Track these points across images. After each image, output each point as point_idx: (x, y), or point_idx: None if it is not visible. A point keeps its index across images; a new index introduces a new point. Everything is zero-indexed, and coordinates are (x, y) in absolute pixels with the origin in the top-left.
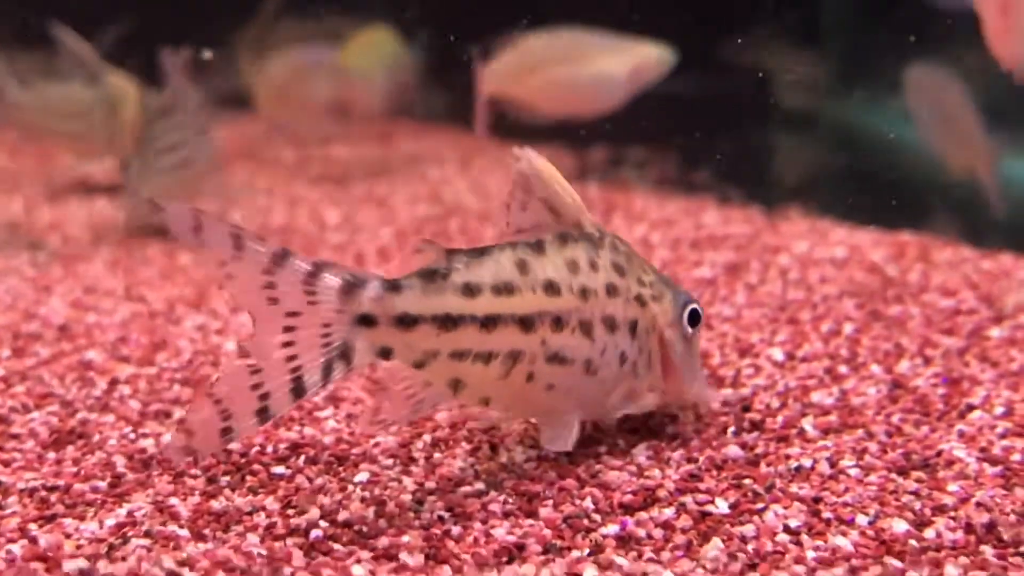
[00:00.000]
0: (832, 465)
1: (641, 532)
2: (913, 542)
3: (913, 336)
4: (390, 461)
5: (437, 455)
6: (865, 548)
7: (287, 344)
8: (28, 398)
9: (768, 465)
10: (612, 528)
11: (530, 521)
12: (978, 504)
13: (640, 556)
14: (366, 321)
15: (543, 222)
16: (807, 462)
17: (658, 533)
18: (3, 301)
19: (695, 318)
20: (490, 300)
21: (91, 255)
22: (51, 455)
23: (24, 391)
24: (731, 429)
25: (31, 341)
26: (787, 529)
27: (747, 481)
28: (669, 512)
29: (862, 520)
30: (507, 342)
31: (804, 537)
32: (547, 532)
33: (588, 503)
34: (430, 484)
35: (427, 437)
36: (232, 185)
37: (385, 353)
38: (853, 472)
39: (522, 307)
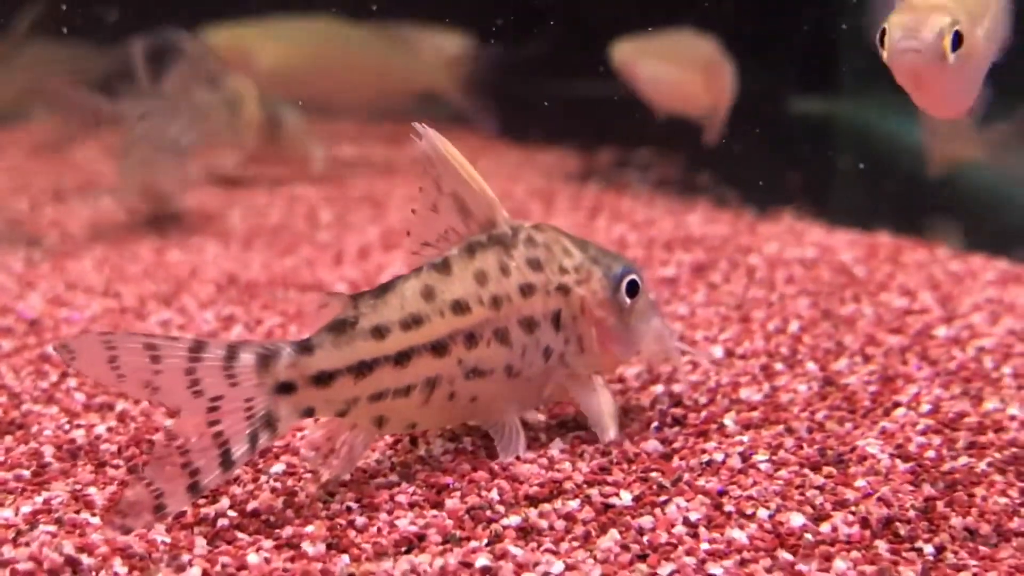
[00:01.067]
0: (744, 459)
1: (543, 523)
2: (808, 536)
3: (858, 335)
4: (312, 453)
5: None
6: (760, 541)
7: (213, 423)
8: None
9: (681, 459)
10: (514, 519)
11: (434, 512)
12: (880, 499)
13: (539, 547)
14: (285, 389)
15: (451, 228)
16: (719, 456)
17: (560, 524)
18: None
19: (633, 288)
20: (399, 337)
21: (83, 252)
22: None
23: None
24: (654, 424)
25: (1, 335)
26: (686, 522)
27: (654, 474)
28: (573, 504)
29: (763, 514)
30: (423, 371)
31: (702, 530)
32: (449, 523)
33: (494, 494)
34: (345, 475)
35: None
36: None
37: (308, 412)
38: (764, 467)
39: (433, 334)
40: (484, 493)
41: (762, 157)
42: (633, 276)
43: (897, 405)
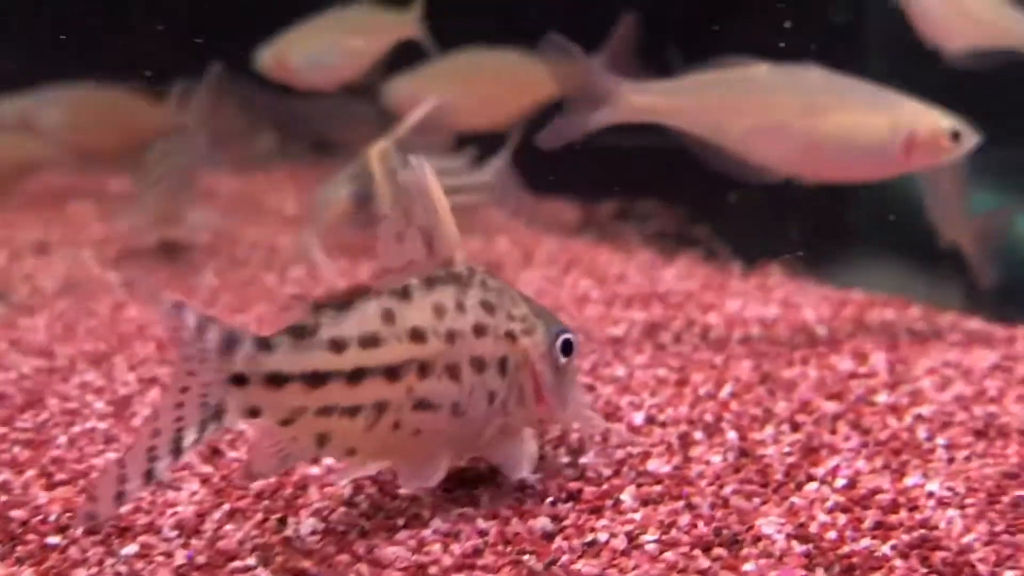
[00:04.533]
0: (630, 540)
1: None
2: None
3: (793, 401)
4: (174, 533)
5: (229, 527)
6: None
7: (179, 405)
8: None
9: (564, 539)
10: None
11: None
12: None
13: None
14: (238, 380)
15: (414, 259)
16: (603, 536)
17: None
18: None
19: (568, 348)
20: (357, 354)
21: (44, 308)
22: None
23: None
24: (549, 499)
25: None
26: None
27: (527, 558)
28: None
29: None
30: (373, 394)
31: None
32: None
33: None
34: (201, 559)
35: (227, 506)
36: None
37: (254, 412)
38: (650, 547)
39: (388, 357)
40: None
41: (764, 211)
42: (569, 335)
43: (811, 479)
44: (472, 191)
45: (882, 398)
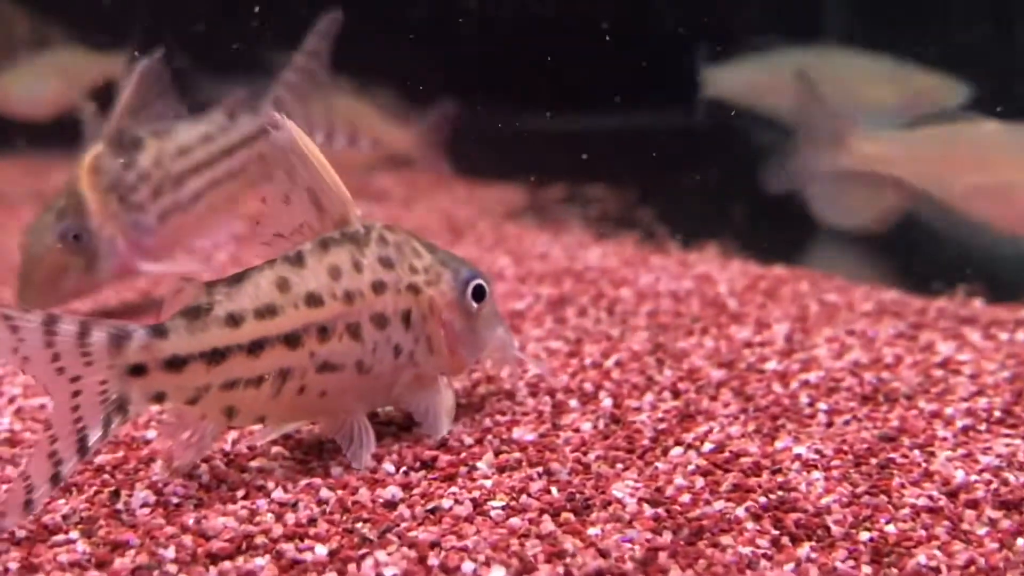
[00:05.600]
0: (476, 506)
1: None
2: None
3: (681, 369)
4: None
5: (60, 502)
6: None
7: (75, 408)
8: None
9: (408, 507)
10: None
11: (95, 573)
12: (599, 550)
13: None
14: (137, 371)
15: (305, 223)
16: (447, 503)
17: None
18: None
19: (479, 293)
20: (254, 326)
21: None
22: None
23: None
24: (403, 468)
25: None
26: None
27: (361, 525)
28: (260, 561)
29: (467, 567)
30: (275, 362)
31: None
32: None
33: (170, 552)
34: (21, 533)
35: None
36: None
37: (159, 398)
38: (496, 513)
39: (286, 325)
40: (161, 551)
41: (710, 192)
42: (480, 281)
43: (679, 444)
44: (247, 144)
45: (771, 365)
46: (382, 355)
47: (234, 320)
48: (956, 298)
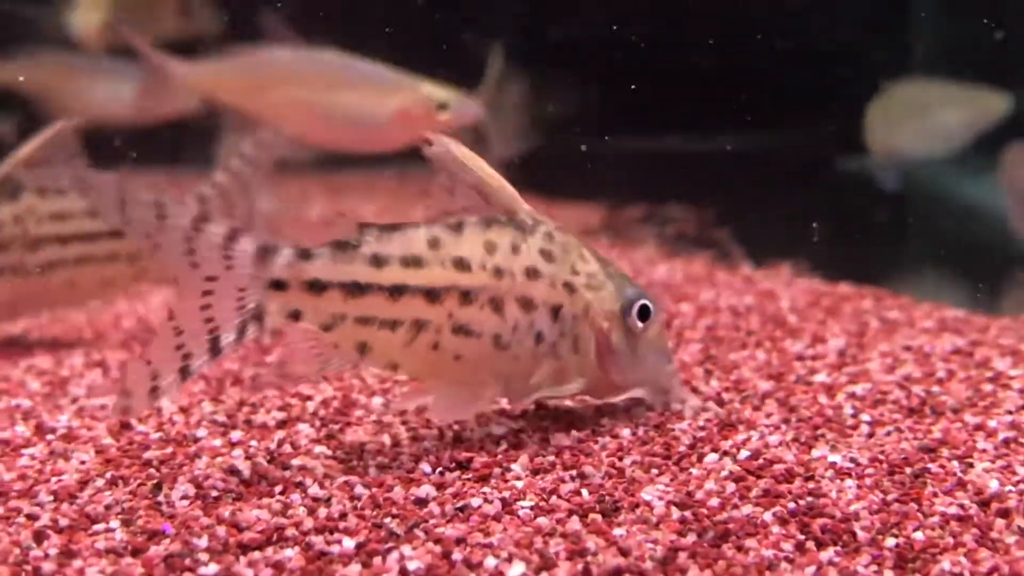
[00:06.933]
0: (505, 505)
1: (248, 572)
2: None
3: (728, 380)
4: (48, 498)
5: (106, 493)
6: None
7: (206, 307)
8: None
9: (439, 505)
10: (212, 568)
11: (129, 560)
12: (620, 549)
13: None
14: (278, 286)
15: (473, 205)
16: (476, 502)
17: (267, 574)
18: None
19: (644, 313)
20: (397, 271)
21: None
22: None
23: None
24: (439, 468)
25: None
26: (402, 571)
27: (389, 521)
28: (289, 552)
29: (489, 563)
30: (412, 311)
31: None
32: (140, 571)
33: (203, 541)
34: (64, 521)
35: (109, 474)
36: None
37: (295, 315)
38: (524, 513)
39: (429, 280)
40: (194, 540)
41: (790, 214)
42: (646, 301)
43: (715, 451)
44: None
45: (819, 377)
46: (522, 337)
47: (378, 261)
48: (1022, 318)
